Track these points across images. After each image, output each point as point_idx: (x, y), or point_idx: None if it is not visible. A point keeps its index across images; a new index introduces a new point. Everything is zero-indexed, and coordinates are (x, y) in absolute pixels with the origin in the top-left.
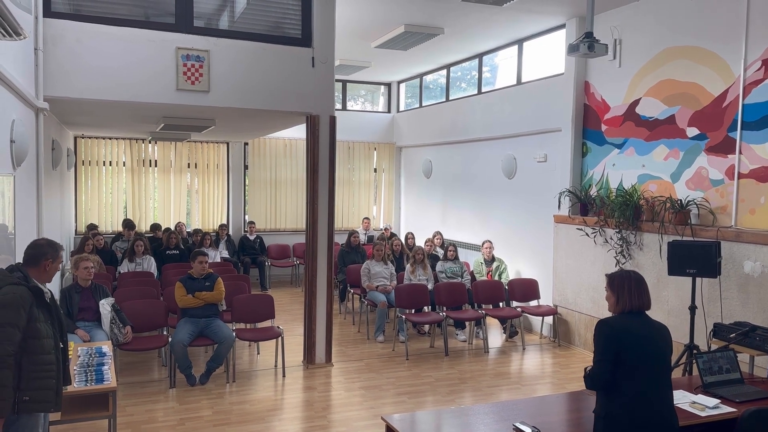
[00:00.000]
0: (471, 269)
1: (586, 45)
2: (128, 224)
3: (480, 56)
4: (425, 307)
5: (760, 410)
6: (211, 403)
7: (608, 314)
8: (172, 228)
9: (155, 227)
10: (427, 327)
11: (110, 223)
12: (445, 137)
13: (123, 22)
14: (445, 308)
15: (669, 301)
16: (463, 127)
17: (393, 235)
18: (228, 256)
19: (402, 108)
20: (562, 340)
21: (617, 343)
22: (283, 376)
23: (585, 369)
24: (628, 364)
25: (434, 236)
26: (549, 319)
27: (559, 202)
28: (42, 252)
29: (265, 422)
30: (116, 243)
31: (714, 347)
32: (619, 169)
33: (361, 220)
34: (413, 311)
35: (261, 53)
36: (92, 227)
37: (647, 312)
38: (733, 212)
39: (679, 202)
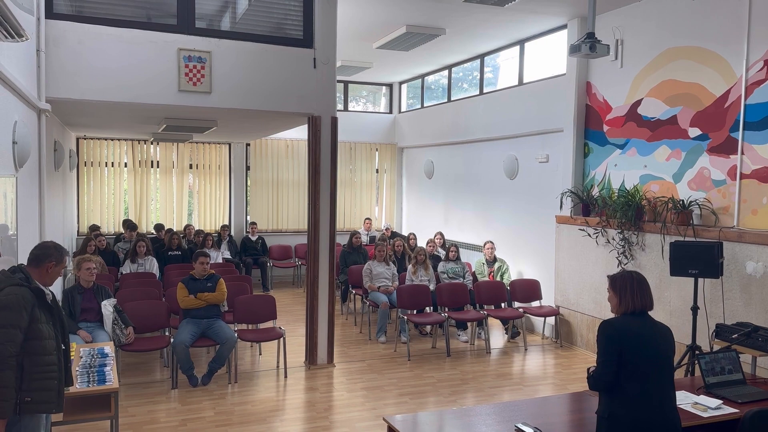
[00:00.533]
0: (473, 270)
1: (588, 45)
2: (129, 225)
3: (482, 57)
4: (427, 308)
5: (762, 411)
6: (213, 403)
7: (610, 315)
8: (175, 229)
9: (159, 228)
10: (428, 328)
11: (112, 224)
12: (446, 138)
13: (125, 24)
14: (446, 309)
15: (671, 301)
16: (465, 128)
17: (394, 234)
18: (230, 257)
19: (403, 109)
20: (564, 341)
21: (620, 344)
22: (285, 376)
23: (588, 369)
24: (630, 365)
25: (436, 237)
26: (551, 320)
27: (561, 202)
28: (47, 254)
29: (266, 423)
30: (118, 244)
31: (716, 348)
32: (621, 169)
33: (363, 220)
34: (415, 312)
35: (263, 54)
36: (94, 228)
37: (650, 312)
38: (736, 213)
39: (681, 202)
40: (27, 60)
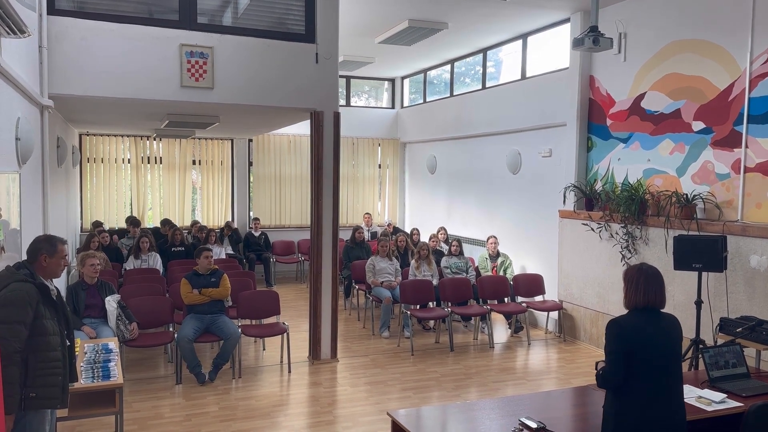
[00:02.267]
0: (476, 265)
1: (591, 39)
2: (133, 221)
3: (484, 51)
4: (430, 303)
5: (766, 405)
6: (217, 398)
7: (613, 309)
8: (178, 225)
9: (166, 223)
10: (432, 322)
11: (115, 221)
12: (449, 133)
13: (127, 19)
14: (450, 304)
15: (675, 295)
16: (468, 123)
17: (396, 230)
18: (232, 253)
19: (406, 104)
20: (568, 336)
21: (627, 343)
22: (289, 371)
23: (596, 364)
24: (638, 364)
25: (439, 232)
26: (554, 315)
27: (564, 197)
28: (37, 248)
29: (271, 418)
30: (121, 240)
31: (720, 342)
32: (625, 163)
33: (362, 215)
34: (418, 307)
35: (265, 49)
36: (97, 224)
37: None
38: (739, 206)
39: (684, 196)
40: (29, 56)
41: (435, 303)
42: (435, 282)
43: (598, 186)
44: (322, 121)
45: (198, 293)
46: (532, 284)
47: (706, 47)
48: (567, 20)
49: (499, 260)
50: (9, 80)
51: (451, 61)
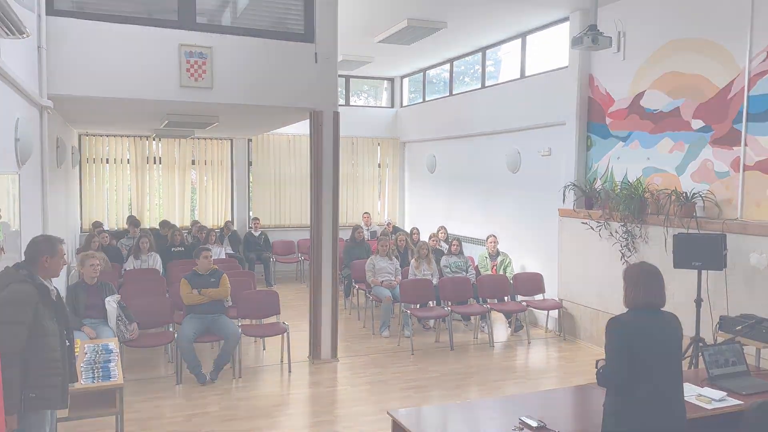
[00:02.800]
0: (475, 264)
1: (590, 38)
2: (133, 221)
3: (483, 50)
4: (430, 302)
5: (766, 402)
6: (217, 398)
7: (614, 308)
8: (178, 225)
9: (165, 224)
10: (432, 322)
11: (115, 221)
12: (448, 132)
13: (126, 20)
14: (449, 303)
15: (675, 294)
16: (467, 122)
17: (396, 229)
18: (232, 253)
19: (405, 103)
20: (568, 334)
21: (627, 342)
22: (289, 371)
23: (596, 362)
24: (638, 362)
25: (439, 231)
26: (554, 313)
27: (564, 195)
28: (38, 249)
29: (271, 417)
30: (121, 240)
31: (720, 340)
32: (624, 162)
33: (362, 215)
34: (418, 306)
35: (264, 49)
36: (97, 225)
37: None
38: (739, 204)
39: (684, 194)
40: (28, 57)
41: (435, 302)
42: (435, 281)
43: (598, 185)
44: (321, 121)
45: (198, 293)
46: (532, 283)
47: (705, 45)
48: (566, 19)
49: (499, 259)
50: (8, 81)
51: (451, 61)
